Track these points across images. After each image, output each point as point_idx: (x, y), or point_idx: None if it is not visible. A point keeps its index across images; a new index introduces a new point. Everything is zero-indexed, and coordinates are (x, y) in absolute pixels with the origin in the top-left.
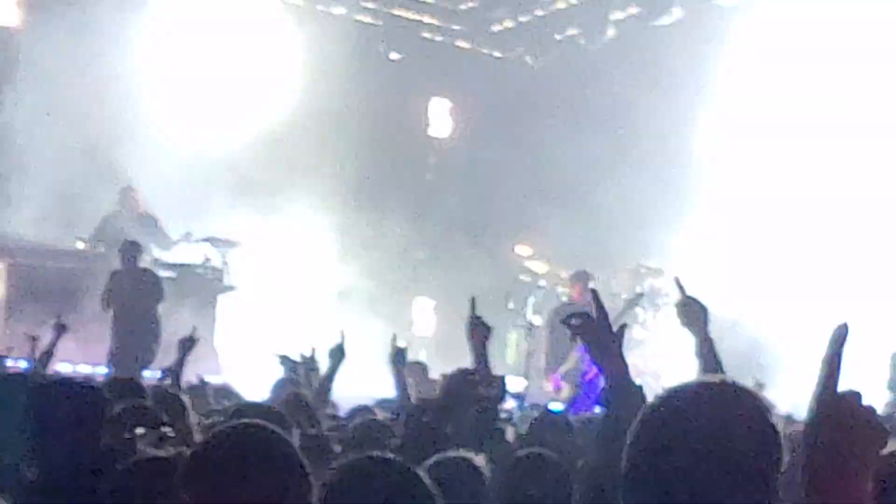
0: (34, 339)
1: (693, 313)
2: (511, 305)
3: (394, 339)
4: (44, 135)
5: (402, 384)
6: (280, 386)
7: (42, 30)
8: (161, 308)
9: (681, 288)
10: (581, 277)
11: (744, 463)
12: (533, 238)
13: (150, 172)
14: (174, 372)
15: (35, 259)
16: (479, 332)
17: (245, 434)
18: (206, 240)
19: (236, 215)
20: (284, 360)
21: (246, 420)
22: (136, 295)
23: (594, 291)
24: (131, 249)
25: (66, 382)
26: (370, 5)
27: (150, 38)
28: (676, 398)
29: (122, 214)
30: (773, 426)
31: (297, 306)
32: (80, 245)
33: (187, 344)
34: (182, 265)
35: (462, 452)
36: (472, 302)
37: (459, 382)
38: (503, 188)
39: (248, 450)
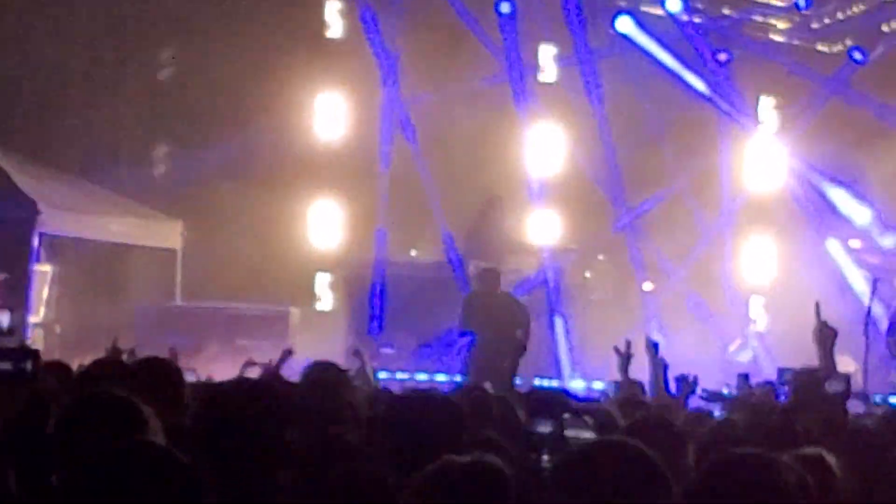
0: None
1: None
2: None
3: None
4: None
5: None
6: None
7: None
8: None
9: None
10: None
11: None
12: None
13: None
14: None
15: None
16: (827, 335)
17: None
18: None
19: None
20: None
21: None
22: (499, 320)
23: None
24: (492, 276)
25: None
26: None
27: None
28: None
29: (486, 224)
30: None
31: None
32: (413, 253)
33: None
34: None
35: (811, 450)
36: (817, 307)
37: (806, 381)
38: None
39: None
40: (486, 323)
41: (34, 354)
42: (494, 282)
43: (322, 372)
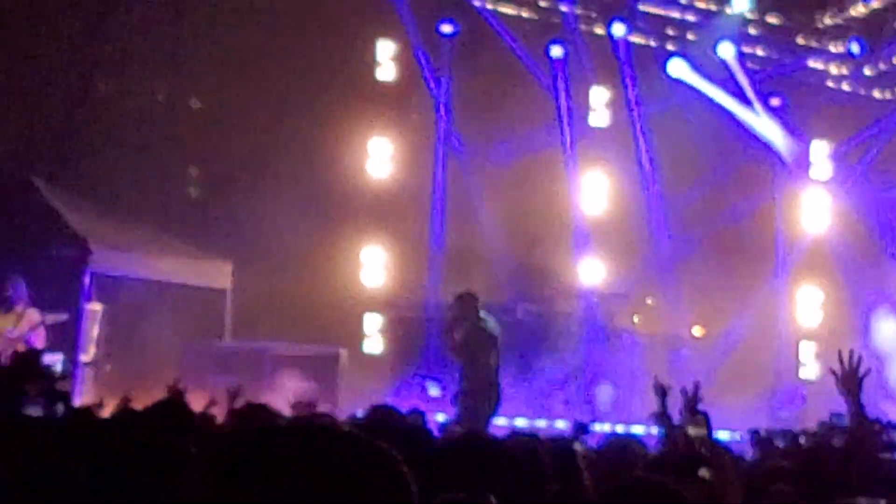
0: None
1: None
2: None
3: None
4: None
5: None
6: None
7: None
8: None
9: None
10: None
11: None
12: None
13: None
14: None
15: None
16: (853, 381)
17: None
18: None
19: None
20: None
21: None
22: (475, 343)
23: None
24: (470, 300)
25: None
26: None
27: None
28: None
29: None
30: None
31: None
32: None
33: None
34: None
35: (865, 500)
36: (839, 354)
37: (865, 431)
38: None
39: None
40: (469, 352)
41: (65, 397)
42: (473, 307)
43: (384, 416)
